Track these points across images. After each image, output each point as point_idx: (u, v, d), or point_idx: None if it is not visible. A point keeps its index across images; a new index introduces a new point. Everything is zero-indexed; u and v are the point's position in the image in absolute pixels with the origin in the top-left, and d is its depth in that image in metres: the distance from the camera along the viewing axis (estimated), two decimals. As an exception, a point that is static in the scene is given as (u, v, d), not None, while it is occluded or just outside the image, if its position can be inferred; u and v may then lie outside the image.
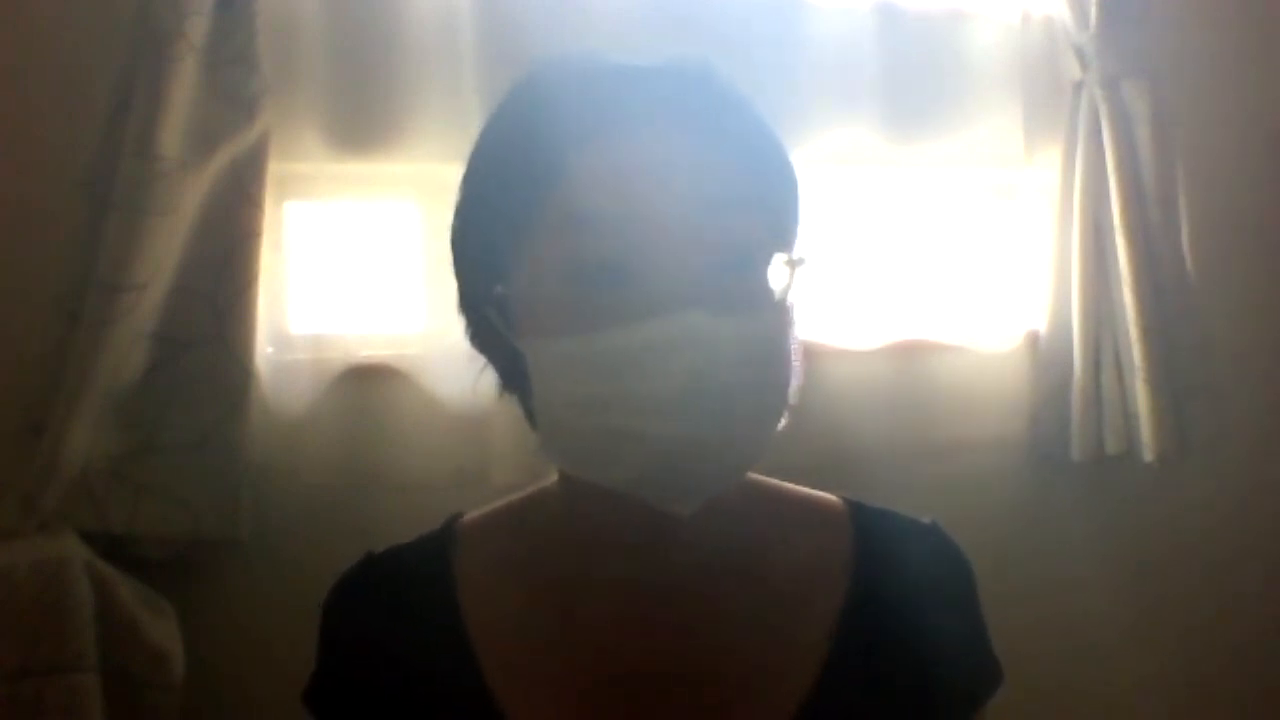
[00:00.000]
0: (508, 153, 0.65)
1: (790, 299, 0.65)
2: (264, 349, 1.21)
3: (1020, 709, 0.95)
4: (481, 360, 0.70)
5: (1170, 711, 1.66)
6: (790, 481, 0.77)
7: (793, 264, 0.65)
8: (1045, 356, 1.57)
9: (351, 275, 1.32)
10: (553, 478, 0.73)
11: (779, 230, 0.66)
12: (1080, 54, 1.54)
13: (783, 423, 0.66)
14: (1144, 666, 1.64)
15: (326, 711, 0.72)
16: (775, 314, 0.64)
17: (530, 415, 0.67)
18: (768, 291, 0.64)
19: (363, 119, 1.26)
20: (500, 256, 0.65)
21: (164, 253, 1.13)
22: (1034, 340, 1.59)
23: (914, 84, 1.48)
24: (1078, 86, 1.56)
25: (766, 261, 0.64)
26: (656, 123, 0.62)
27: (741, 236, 0.62)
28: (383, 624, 0.71)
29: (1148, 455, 1.53)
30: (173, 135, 1.13)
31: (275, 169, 1.21)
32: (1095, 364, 1.56)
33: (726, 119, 0.64)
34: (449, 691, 0.68)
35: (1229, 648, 1.69)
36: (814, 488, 0.78)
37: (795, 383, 0.66)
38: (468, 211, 0.68)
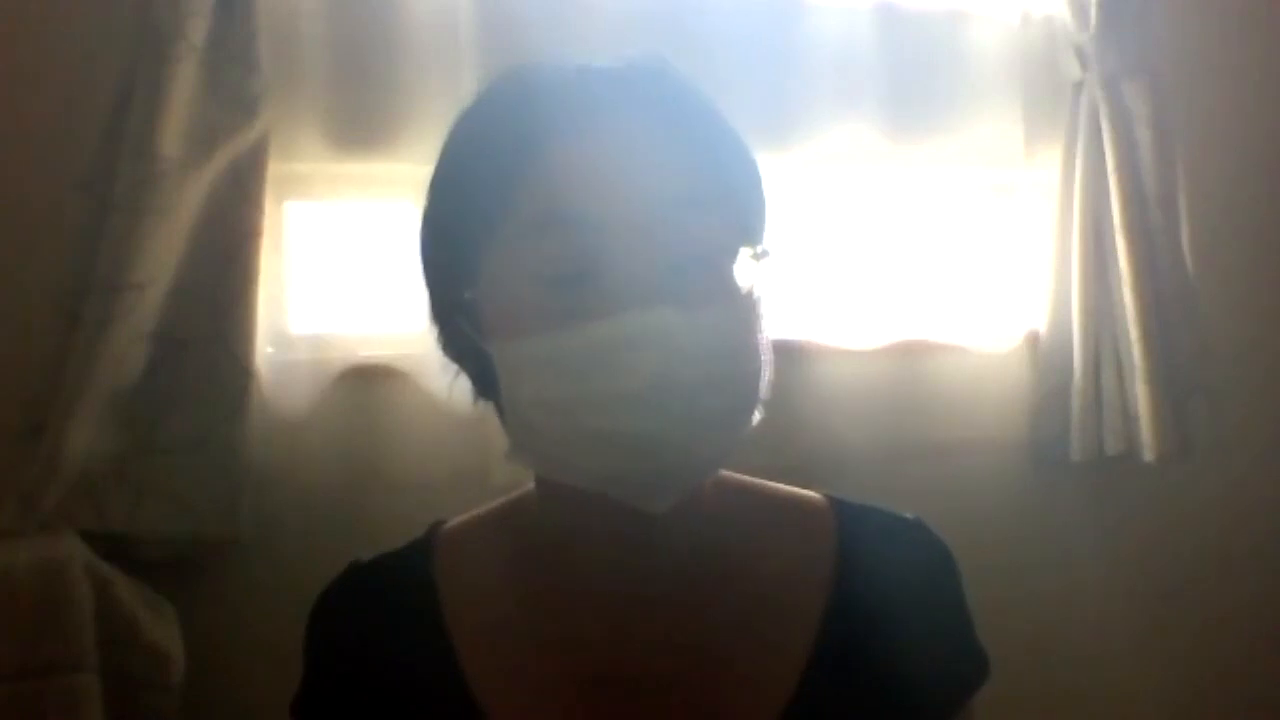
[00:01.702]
0: (471, 159, 0.66)
1: (757, 293, 0.66)
2: (264, 349, 1.21)
3: (1020, 709, 0.95)
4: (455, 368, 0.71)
5: (1170, 712, 1.66)
6: (788, 481, 0.77)
7: (758, 257, 0.65)
8: (1045, 356, 1.57)
9: (351, 275, 1.32)
10: (529, 484, 0.73)
11: (742, 225, 0.66)
12: (1080, 54, 1.54)
13: (757, 417, 0.65)
14: (1144, 667, 1.64)
15: None
16: (742, 308, 0.64)
17: (504, 421, 0.67)
18: (733, 286, 0.64)
19: (363, 119, 1.26)
20: (467, 262, 0.65)
21: (164, 253, 1.13)
22: (1034, 340, 1.59)
23: (914, 84, 1.49)
24: (1078, 86, 1.56)
25: (731, 257, 0.64)
26: (617, 123, 0.63)
27: (704, 233, 0.63)
28: (366, 634, 0.71)
29: (1148, 455, 1.53)
30: (173, 135, 1.13)
31: (275, 169, 1.21)
32: (1095, 364, 1.56)
33: (685, 117, 0.65)
34: (434, 699, 0.68)
35: (1230, 647, 1.69)
36: (811, 487, 0.78)
37: (766, 376, 0.66)
38: (434, 218, 0.69)
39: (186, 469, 1.15)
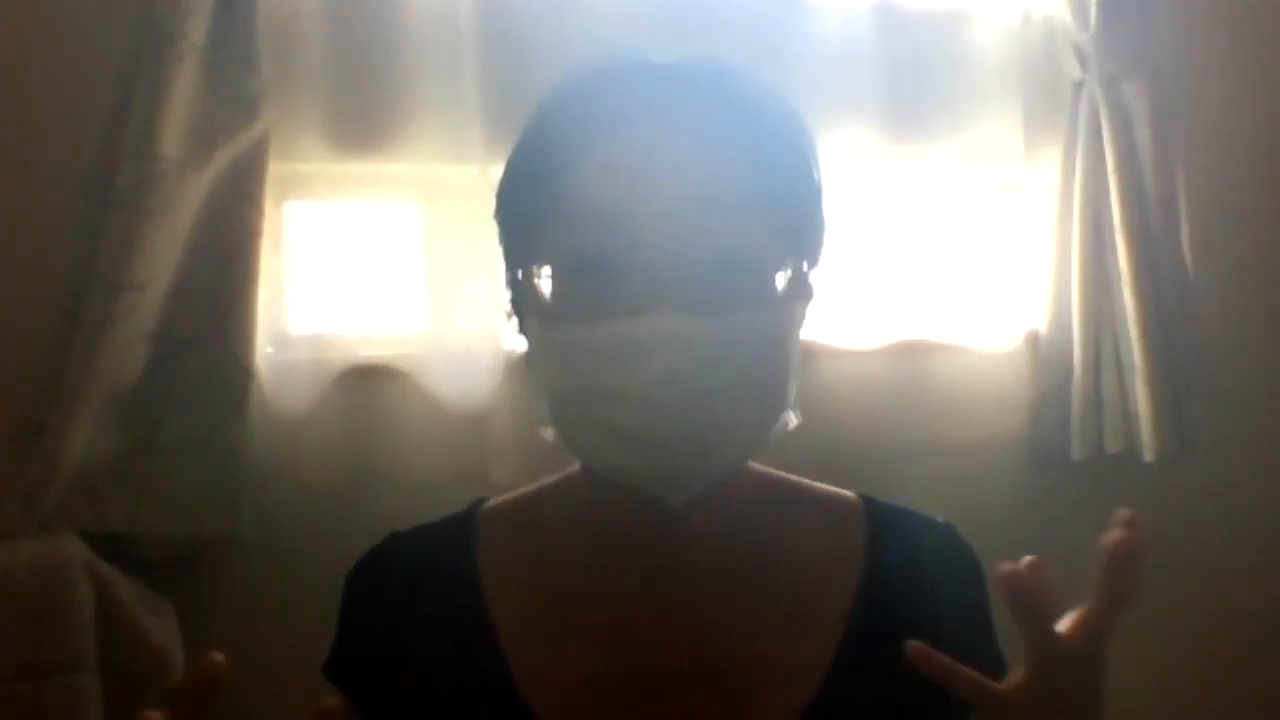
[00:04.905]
0: (530, 148, 0.68)
1: (796, 301, 0.66)
2: (264, 349, 1.21)
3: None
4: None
5: (1168, 710, 1.66)
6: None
7: (800, 266, 0.66)
8: (1045, 356, 1.57)
9: (351, 275, 1.32)
10: (576, 466, 0.74)
11: (787, 233, 0.66)
12: (1080, 54, 1.54)
13: (792, 419, 0.67)
14: (1142, 666, 1.64)
15: (344, 683, 0.73)
16: (771, 315, 0.65)
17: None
18: (767, 292, 0.64)
19: (363, 119, 1.26)
20: (521, 244, 0.68)
21: (164, 252, 1.13)
22: (1034, 340, 1.59)
23: (914, 84, 1.48)
24: (1078, 86, 1.56)
25: (770, 263, 0.65)
26: (664, 123, 0.63)
27: (738, 238, 0.63)
28: (404, 602, 0.72)
29: (1148, 455, 1.53)
30: (173, 135, 1.12)
31: (275, 169, 1.20)
32: (1095, 364, 1.56)
33: (737, 121, 0.65)
34: (469, 670, 0.69)
35: (1228, 647, 1.69)
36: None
37: (793, 383, 0.67)
38: (500, 198, 0.71)
39: (186, 469, 1.15)
